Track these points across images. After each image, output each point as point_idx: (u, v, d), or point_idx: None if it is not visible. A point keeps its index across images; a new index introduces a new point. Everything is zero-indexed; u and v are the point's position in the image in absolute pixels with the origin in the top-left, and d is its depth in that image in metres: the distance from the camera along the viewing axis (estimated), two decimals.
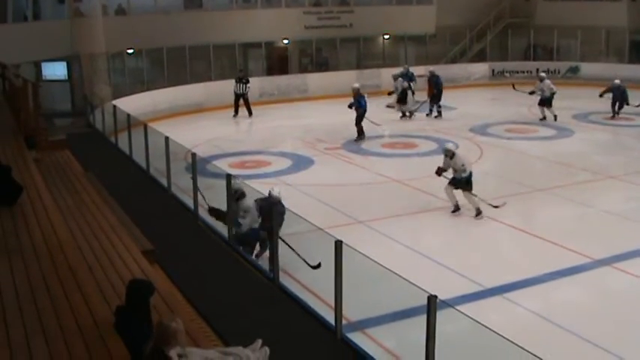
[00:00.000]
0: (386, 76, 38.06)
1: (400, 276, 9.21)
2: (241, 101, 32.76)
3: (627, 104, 30.52)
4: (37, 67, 31.66)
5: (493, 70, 43.37)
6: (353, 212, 18.61)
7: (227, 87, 33.81)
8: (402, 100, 32.39)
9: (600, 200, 20.36)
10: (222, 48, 36.63)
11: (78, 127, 27.60)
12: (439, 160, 23.39)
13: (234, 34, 36.26)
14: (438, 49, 43.71)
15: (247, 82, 32.65)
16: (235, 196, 14.57)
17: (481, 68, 43.17)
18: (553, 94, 30.90)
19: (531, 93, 31.46)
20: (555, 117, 31.01)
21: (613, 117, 30.38)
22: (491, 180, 22.56)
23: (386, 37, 42.53)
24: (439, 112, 32.45)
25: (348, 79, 37.37)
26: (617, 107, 30.60)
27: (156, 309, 8.44)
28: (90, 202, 14.37)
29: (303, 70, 40.04)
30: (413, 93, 33.43)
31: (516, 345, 7.40)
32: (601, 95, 30.45)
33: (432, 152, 25.54)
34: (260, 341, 7.58)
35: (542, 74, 32.28)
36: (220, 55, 37.03)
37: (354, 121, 27.75)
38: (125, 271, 10.64)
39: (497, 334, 7.71)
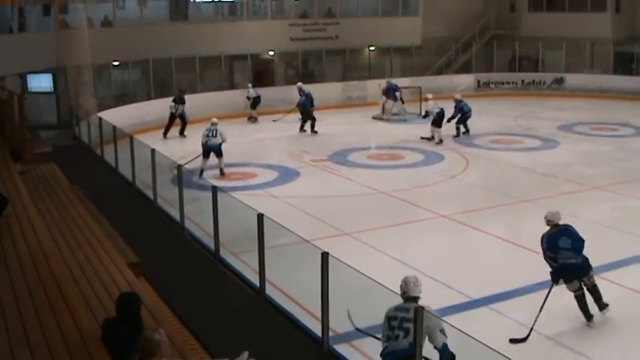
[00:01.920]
0: (371, 87, 38.14)
1: (387, 287, 9.20)
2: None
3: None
4: (23, 79, 31.58)
5: (479, 82, 43.50)
6: (339, 224, 18.59)
7: (214, 99, 33.99)
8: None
9: (586, 211, 20.36)
10: (209, 60, 36.63)
11: (63, 140, 27.55)
12: (426, 172, 23.62)
13: (220, 45, 36.31)
14: (423, 60, 43.83)
15: (184, 102, 31.53)
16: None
17: (467, 79, 43.25)
18: (439, 113, 29.41)
19: (425, 116, 30.96)
20: (441, 141, 29.23)
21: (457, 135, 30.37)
22: (477, 191, 22.62)
23: (372, 48, 42.60)
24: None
25: (333, 90, 37.50)
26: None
27: (142, 321, 8.43)
28: (75, 215, 14.36)
29: (289, 81, 40.03)
30: (403, 102, 34.17)
31: (503, 356, 7.40)
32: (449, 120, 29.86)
33: (419, 164, 25.60)
34: (247, 353, 7.53)
35: (429, 95, 31.63)
36: (206, 66, 37.04)
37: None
38: (111, 283, 10.63)
39: (484, 344, 7.70)
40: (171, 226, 16.50)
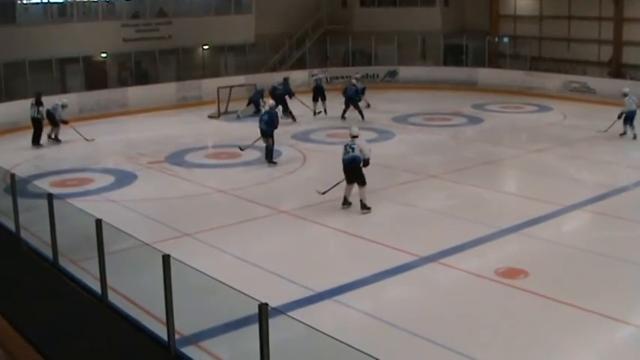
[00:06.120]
0: (206, 86, 38.07)
1: (230, 286, 9.18)
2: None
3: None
4: None
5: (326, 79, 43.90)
6: (179, 225, 18.44)
7: (45, 104, 32.97)
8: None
9: (423, 199, 20.90)
10: (39, 63, 35.57)
11: None
12: (264, 168, 23.63)
13: (50, 49, 35.35)
14: (258, 57, 43.93)
15: (42, 104, 30.09)
16: None
17: (301, 75, 43.55)
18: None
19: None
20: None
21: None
22: (315, 185, 22.77)
23: (205, 47, 42.42)
24: None
25: (168, 91, 37.26)
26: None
27: None
28: None
29: (123, 83, 39.38)
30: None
31: (350, 346, 7.48)
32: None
33: (256, 161, 25.61)
34: None
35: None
36: (37, 70, 35.93)
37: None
38: None
39: (331, 337, 7.76)
40: (6, 237, 16.01)
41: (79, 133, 29.86)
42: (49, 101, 30.10)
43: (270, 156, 25.25)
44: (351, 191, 19.76)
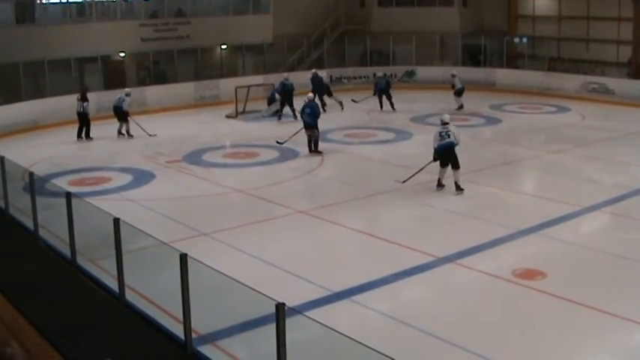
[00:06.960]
0: (224, 86, 38.12)
1: (247, 286, 9.18)
2: None
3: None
4: None
5: (331, 77, 43.80)
6: (197, 225, 18.46)
7: (63, 103, 33.07)
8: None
9: (442, 199, 20.84)
10: (58, 63, 35.66)
11: None
12: (282, 168, 23.61)
13: (69, 48, 35.44)
14: (275, 57, 43.88)
15: (87, 100, 30.96)
16: None
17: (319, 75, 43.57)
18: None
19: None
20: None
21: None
22: (333, 185, 22.81)
23: (223, 47, 42.44)
24: None
25: (186, 91, 37.28)
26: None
27: None
28: None
29: (141, 83, 39.38)
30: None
31: (367, 347, 7.46)
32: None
33: (274, 160, 25.65)
34: None
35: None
36: (56, 70, 36.01)
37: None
38: None
39: (348, 337, 7.75)
40: (25, 236, 16.07)
41: (141, 128, 30.57)
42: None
43: (316, 146, 26.70)
44: (444, 174, 21.56)
